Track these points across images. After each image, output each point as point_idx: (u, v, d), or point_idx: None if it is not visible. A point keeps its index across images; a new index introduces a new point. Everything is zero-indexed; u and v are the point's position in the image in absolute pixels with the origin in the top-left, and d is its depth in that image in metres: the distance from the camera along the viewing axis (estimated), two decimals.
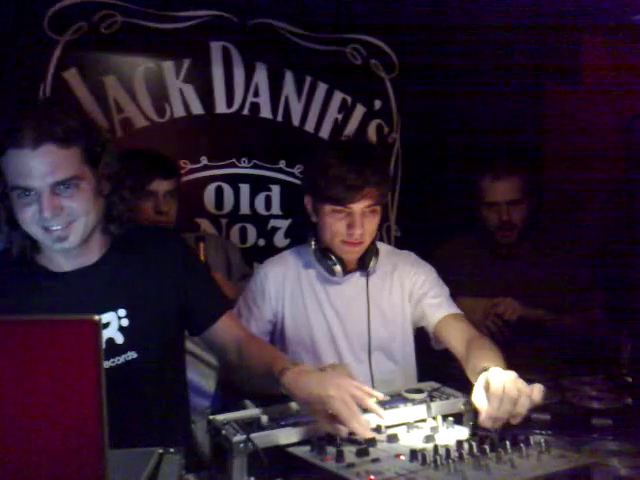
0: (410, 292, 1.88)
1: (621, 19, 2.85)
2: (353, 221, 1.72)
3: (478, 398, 1.40)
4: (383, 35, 3.06)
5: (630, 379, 1.80)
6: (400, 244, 3.07)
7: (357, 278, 1.85)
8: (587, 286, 2.46)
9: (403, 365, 1.89)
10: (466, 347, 1.69)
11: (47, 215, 1.36)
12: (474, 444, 1.26)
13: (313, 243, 1.84)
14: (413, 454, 1.24)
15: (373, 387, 1.74)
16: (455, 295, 2.00)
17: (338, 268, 1.80)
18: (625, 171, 3.15)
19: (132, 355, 1.48)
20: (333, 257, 1.80)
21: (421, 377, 1.92)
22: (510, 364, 1.56)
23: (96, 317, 0.89)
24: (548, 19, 2.97)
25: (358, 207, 1.71)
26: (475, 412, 1.43)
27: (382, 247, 1.90)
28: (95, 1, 2.57)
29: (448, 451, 1.24)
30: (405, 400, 1.54)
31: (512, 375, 1.41)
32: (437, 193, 3.03)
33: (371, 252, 1.82)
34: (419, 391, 1.57)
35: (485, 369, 1.47)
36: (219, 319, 1.58)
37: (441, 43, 2.99)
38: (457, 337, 1.76)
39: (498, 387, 1.37)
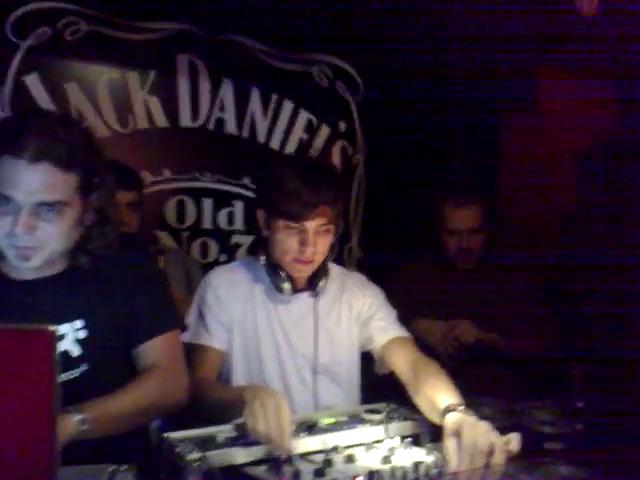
0: (358, 314, 1.85)
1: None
2: (306, 239, 1.68)
3: (448, 450, 1.35)
4: (349, 57, 3.09)
5: (581, 404, 1.83)
6: (362, 265, 3.09)
7: (306, 298, 1.81)
8: (539, 311, 2.52)
9: (347, 389, 1.85)
10: (413, 371, 1.67)
11: (19, 232, 1.30)
12: (431, 465, 1.27)
13: (263, 258, 1.81)
14: (370, 475, 1.23)
15: (316, 410, 1.74)
16: (412, 318, 2.01)
17: (287, 286, 1.75)
18: (578, 200, 3.24)
19: (85, 367, 1.43)
20: (282, 274, 1.75)
21: (364, 402, 1.90)
22: (464, 387, 1.57)
23: (51, 328, 0.86)
24: (505, 53, 3.06)
25: (312, 225, 1.68)
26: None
27: (333, 268, 1.87)
28: (60, 8, 2.52)
29: (405, 473, 1.24)
30: (363, 421, 1.52)
31: (484, 427, 1.36)
32: (399, 216, 3.05)
33: (321, 272, 1.78)
34: (377, 412, 1.56)
35: (448, 409, 1.43)
36: (152, 339, 1.51)
37: (406, 69, 3.04)
38: (403, 360, 1.73)
39: (469, 442, 1.32)
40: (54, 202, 1.32)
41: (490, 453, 1.32)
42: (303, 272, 1.76)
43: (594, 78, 3.12)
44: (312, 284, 1.79)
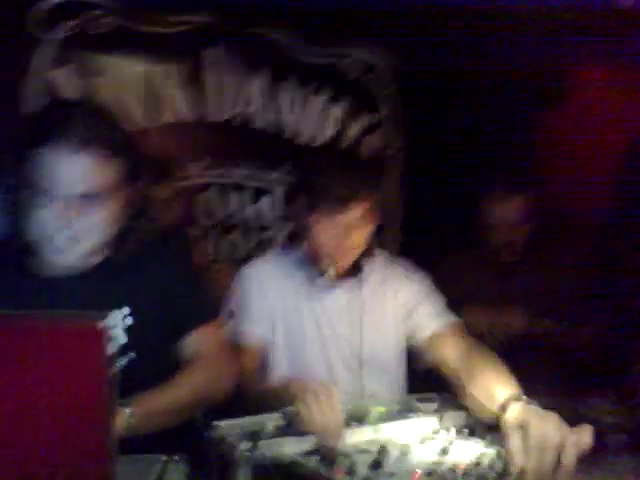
0: (405, 303, 1.77)
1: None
2: (341, 232, 1.64)
3: (512, 445, 1.20)
4: (380, 50, 3.03)
5: None
6: (404, 250, 3.00)
7: (349, 286, 1.75)
8: (590, 303, 2.43)
9: (394, 379, 1.77)
10: (467, 359, 1.56)
11: (59, 224, 1.26)
12: (496, 461, 1.17)
13: (302, 249, 1.76)
14: (430, 469, 1.14)
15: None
16: (457, 307, 1.93)
17: (331, 272, 1.69)
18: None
19: (133, 356, 1.38)
20: (323, 263, 1.69)
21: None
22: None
23: (100, 324, 0.84)
24: (544, 44, 2.98)
25: (346, 218, 1.63)
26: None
27: (378, 255, 1.82)
28: (86, 1, 2.49)
29: (468, 467, 1.15)
30: (415, 410, 1.44)
31: (554, 419, 1.21)
32: (442, 205, 2.95)
33: (363, 259, 1.73)
34: (429, 400, 1.47)
35: (510, 400, 1.30)
36: (197, 328, 1.45)
37: (439, 60, 2.97)
38: (455, 347, 1.63)
39: (538, 436, 1.17)
40: (96, 193, 1.28)
41: (560, 449, 1.16)
42: (342, 262, 1.70)
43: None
44: (354, 271, 1.73)
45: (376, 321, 1.77)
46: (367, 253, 1.74)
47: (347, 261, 1.70)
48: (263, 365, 1.71)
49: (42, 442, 0.85)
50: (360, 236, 1.68)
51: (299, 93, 2.88)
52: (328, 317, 1.75)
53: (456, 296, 2.23)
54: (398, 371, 1.81)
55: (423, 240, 2.93)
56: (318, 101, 2.92)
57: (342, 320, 1.75)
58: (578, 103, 3.10)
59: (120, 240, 1.40)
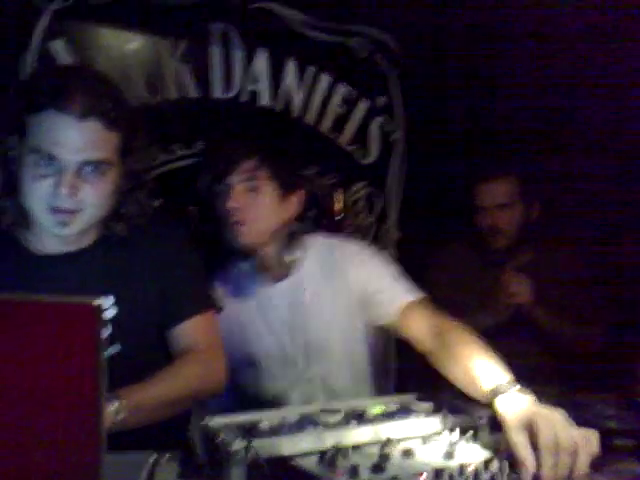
0: (359, 286, 1.69)
1: None
2: (237, 197, 1.64)
3: (519, 449, 1.13)
4: (390, 29, 2.92)
5: None
6: (401, 247, 2.95)
7: (288, 269, 1.70)
8: (588, 296, 2.35)
9: (347, 365, 1.72)
10: (439, 337, 1.46)
11: (63, 193, 1.22)
12: (504, 464, 1.10)
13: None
14: (437, 473, 1.08)
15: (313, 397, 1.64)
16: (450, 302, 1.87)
17: (245, 266, 1.68)
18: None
19: (117, 348, 1.32)
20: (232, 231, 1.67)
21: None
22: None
23: (96, 301, 0.81)
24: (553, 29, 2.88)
25: (237, 179, 1.63)
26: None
27: (313, 239, 1.74)
28: None
29: (477, 471, 1.08)
30: (414, 410, 1.37)
31: (562, 419, 1.14)
32: (441, 195, 2.88)
33: (294, 241, 1.69)
34: (429, 400, 1.41)
35: (499, 391, 1.22)
36: (188, 319, 1.43)
37: (449, 40, 2.88)
38: (421, 324, 1.53)
39: (549, 440, 1.09)
40: (99, 161, 1.25)
41: (573, 453, 1.09)
42: (250, 229, 1.63)
43: None
44: (285, 253, 1.70)
45: (317, 306, 1.69)
46: (295, 235, 1.68)
47: (255, 228, 1.63)
48: None
49: (35, 426, 0.82)
50: (265, 204, 1.62)
51: (306, 71, 2.79)
52: (269, 302, 1.70)
53: (449, 289, 2.20)
54: (352, 357, 1.73)
55: (420, 229, 2.84)
56: (325, 80, 2.82)
57: (282, 306, 1.70)
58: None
59: (117, 216, 1.35)
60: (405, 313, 1.60)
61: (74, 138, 1.21)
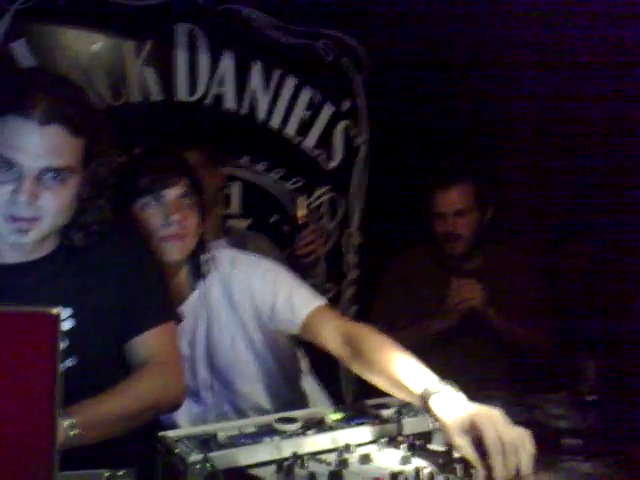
0: (260, 297, 1.66)
1: None
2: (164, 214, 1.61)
3: (466, 453, 1.14)
4: (356, 32, 2.94)
5: (593, 397, 1.72)
6: (362, 252, 2.97)
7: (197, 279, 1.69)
8: (538, 306, 2.41)
9: (255, 378, 1.73)
10: (350, 341, 1.44)
11: (23, 200, 1.18)
12: (457, 467, 1.14)
13: None
14: (394, 477, 1.11)
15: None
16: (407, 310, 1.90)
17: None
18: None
19: (73, 361, 1.30)
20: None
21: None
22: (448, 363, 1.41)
23: (55, 310, 0.79)
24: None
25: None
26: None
27: (220, 251, 1.73)
28: None
29: (432, 474, 1.12)
30: (372, 416, 1.39)
31: (500, 417, 1.15)
32: (403, 199, 2.90)
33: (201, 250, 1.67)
34: (385, 406, 1.43)
35: (430, 391, 1.22)
36: (145, 331, 1.40)
37: (415, 46, 2.91)
38: (330, 331, 1.50)
39: (494, 441, 1.10)
40: (61, 168, 1.21)
41: (516, 452, 1.10)
42: (178, 252, 1.62)
43: None
44: (191, 262, 1.68)
45: (223, 319, 1.69)
46: (202, 245, 1.68)
47: (190, 243, 1.63)
48: None
49: None
50: (196, 218, 1.62)
51: (271, 74, 2.79)
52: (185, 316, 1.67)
53: (406, 296, 2.22)
54: (263, 370, 1.74)
55: (382, 234, 2.87)
56: (290, 83, 2.84)
57: (193, 319, 1.69)
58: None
59: (77, 224, 1.33)
60: (311, 321, 1.57)
61: (35, 144, 1.17)
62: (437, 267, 2.46)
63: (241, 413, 1.70)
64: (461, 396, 1.22)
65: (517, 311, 2.32)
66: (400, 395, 1.33)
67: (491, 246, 2.46)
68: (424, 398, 1.23)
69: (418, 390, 1.25)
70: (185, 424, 1.64)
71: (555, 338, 2.40)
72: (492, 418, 1.14)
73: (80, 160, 1.25)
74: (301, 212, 2.22)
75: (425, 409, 1.24)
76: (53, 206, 1.23)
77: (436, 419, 1.21)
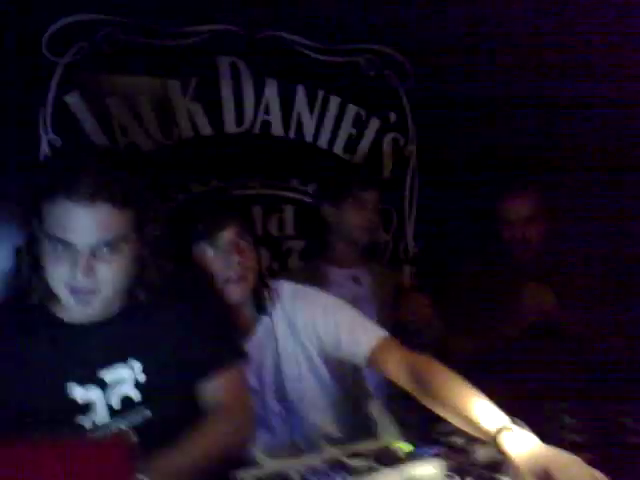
0: (324, 333, 1.69)
1: None
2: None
3: None
4: (397, 44, 2.93)
5: None
6: (418, 262, 2.95)
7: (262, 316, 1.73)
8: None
9: (325, 407, 1.76)
10: (417, 377, 1.46)
11: (80, 276, 1.26)
12: None
13: None
14: None
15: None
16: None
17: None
18: None
19: (147, 414, 1.36)
20: None
21: None
22: None
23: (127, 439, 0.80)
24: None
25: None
26: None
27: (281, 286, 1.77)
28: (94, 19, 2.44)
29: None
30: (443, 444, 1.40)
31: (577, 465, 1.12)
32: (456, 208, 2.88)
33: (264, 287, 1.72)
34: (454, 433, 1.41)
35: (501, 430, 1.22)
36: (213, 374, 1.44)
37: (458, 54, 2.87)
38: (394, 366, 1.53)
39: None
40: (112, 241, 1.27)
41: None
42: (240, 294, 1.66)
43: None
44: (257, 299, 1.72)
45: (289, 351, 1.72)
46: (262, 280, 1.71)
47: (250, 284, 1.66)
48: None
49: None
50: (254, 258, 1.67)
51: (316, 95, 2.81)
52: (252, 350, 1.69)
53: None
54: (330, 399, 1.76)
55: (436, 244, 2.84)
56: (334, 102, 2.85)
57: (260, 353, 1.71)
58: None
59: (140, 283, 1.38)
60: (377, 355, 1.60)
61: (84, 223, 1.24)
62: (505, 274, 2.45)
63: (310, 440, 1.72)
64: (533, 436, 1.21)
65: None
66: (471, 431, 1.33)
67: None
68: (496, 437, 1.22)
69: (490, 428, 1.25)
70: (255, 451, 1.68)
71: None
72: (567, 465, 1.12)
73: (132, 228, 1.31)
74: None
75: (496, 447, 1.23)
76: (110, 276, 1.29)
77: (508, 458, 1.20)
